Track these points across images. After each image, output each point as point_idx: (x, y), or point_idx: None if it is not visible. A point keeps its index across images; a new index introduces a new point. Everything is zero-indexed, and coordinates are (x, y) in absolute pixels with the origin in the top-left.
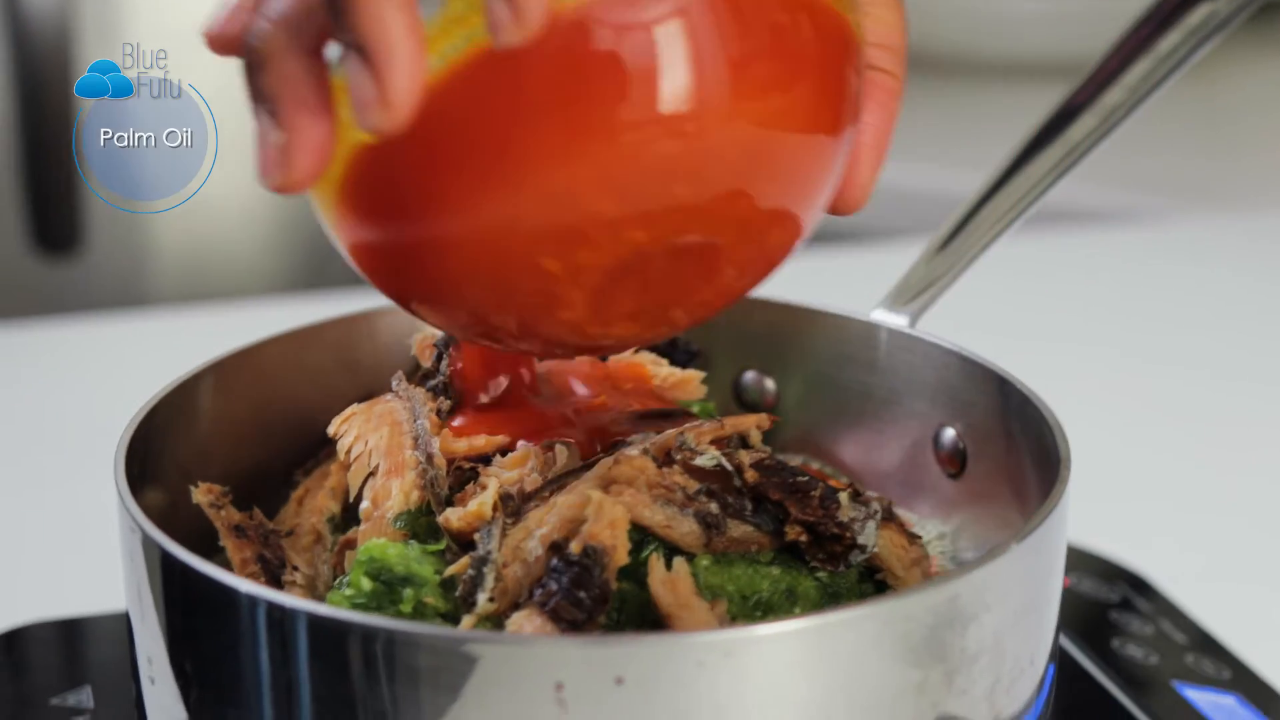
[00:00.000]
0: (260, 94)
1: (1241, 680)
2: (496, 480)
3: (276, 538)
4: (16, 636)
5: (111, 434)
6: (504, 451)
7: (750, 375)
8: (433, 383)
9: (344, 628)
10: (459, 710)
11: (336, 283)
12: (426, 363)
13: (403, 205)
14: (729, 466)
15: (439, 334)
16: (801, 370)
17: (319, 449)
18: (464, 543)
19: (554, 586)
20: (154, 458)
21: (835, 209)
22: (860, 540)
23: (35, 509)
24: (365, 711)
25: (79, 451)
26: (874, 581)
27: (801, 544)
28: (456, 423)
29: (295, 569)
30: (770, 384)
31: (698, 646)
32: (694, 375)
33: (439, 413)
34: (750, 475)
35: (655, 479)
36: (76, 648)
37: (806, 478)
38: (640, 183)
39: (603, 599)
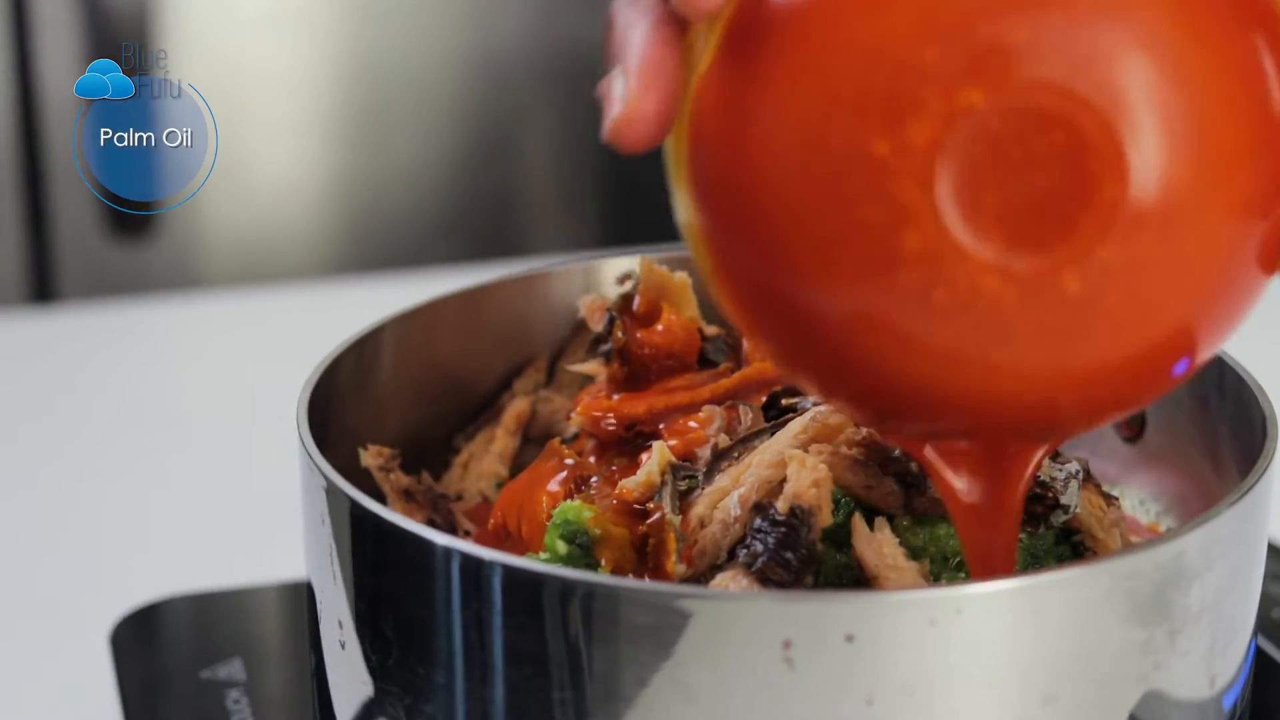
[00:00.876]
0: (612, 52)
1: None
2: (661, 445)
3: (446, 502)
4: (152, 612)
5: (211, 413)
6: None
7: None
8: (604, 348)
9: (564, 584)
10: (677, 669)
11: (390, 264)
12: (596, 327)
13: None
14: None
15: (609, 296)
16: None
17: (478, 413)
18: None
19: (759, 547)
20: (328, 420)
21: None
22: (1063, 500)
23: (147, 488)
24: (574, 670)
25: (182, 430)
26: (1071, 544)
27: None
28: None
29: (467, 534)
30: None
31: (930, 604)
32: None
33: (613, 379)
34: None
35: (854, 438)
36: (218, 622)
37: None
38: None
39: (810, 560)
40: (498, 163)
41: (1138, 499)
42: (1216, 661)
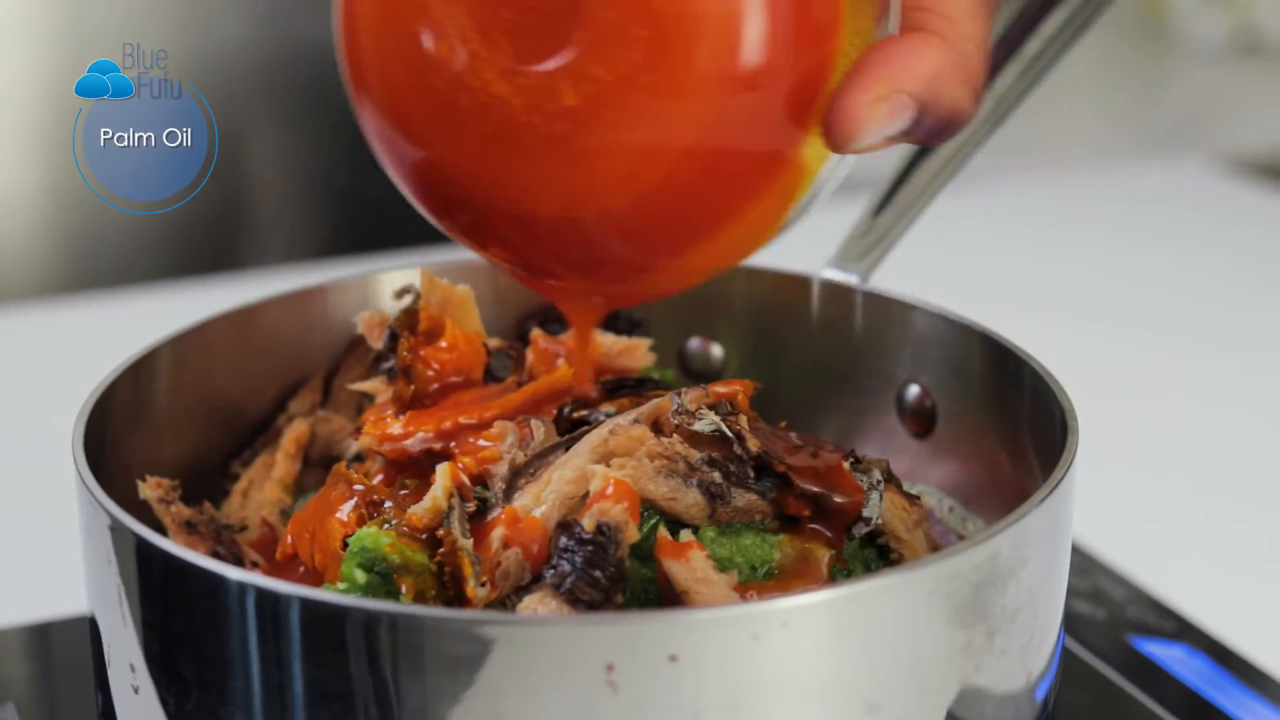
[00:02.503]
0: None
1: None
2: (446, 468)
3: (230, 533)
4: None
5: None
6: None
7: (695, 343)
8: (387, 365)
9: (368, 615)
10: (494, 700)
11: (109, 283)
12: (376, 344)
13: None
14: (729, 432)
15: (386, 312)
16: (748, 334)
17: (254, 437)
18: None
19: (567, 567)
20: (104, 450)
21: (827, 138)
22: (865, 513)
23: None
24: (383, 706)
25: None
26: (875, 546)
27: (803, 518)
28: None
29: (255, 565)
30: (717, 350)
31: (754, 618)
32: (640, 341)
33: (398, 399)
34: (754, 443)
35: (656, 450)
36: None
37: (802, 444)
38: None
39: (619, 577)
40: (219, 172)
41: (933, 495)
42: (1031, 657)
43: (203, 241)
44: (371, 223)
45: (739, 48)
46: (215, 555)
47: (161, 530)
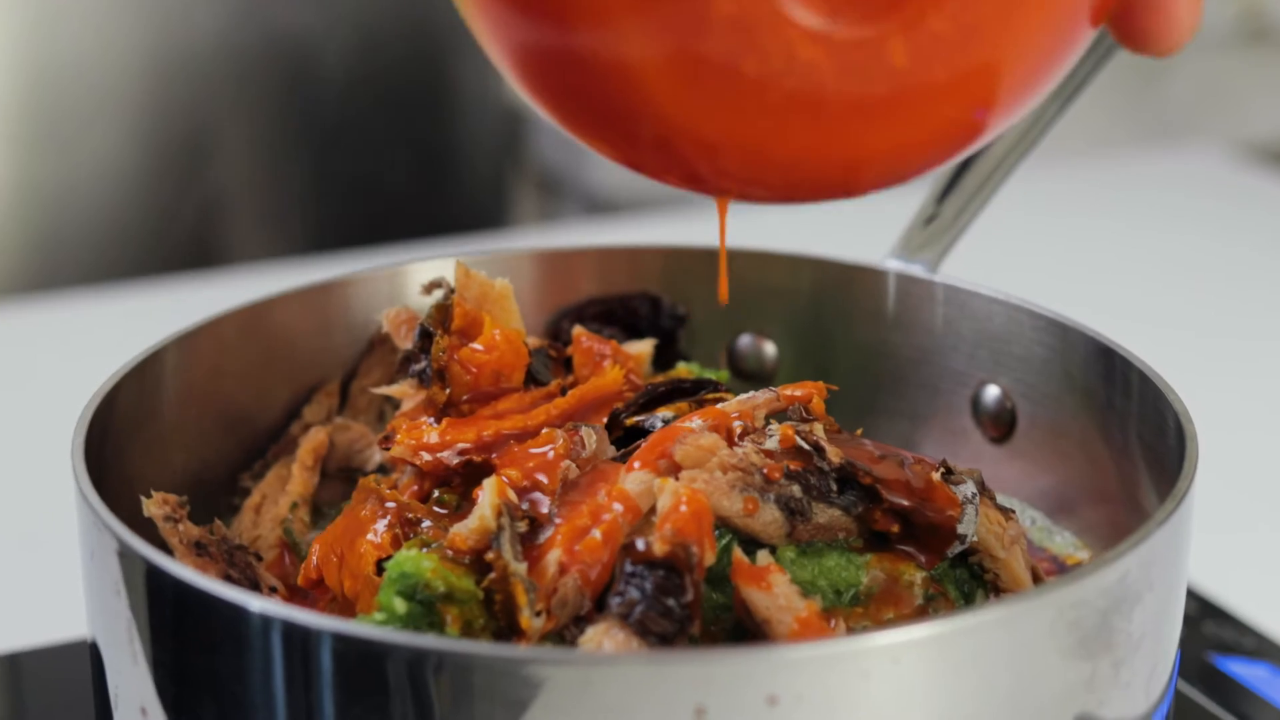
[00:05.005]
0: None
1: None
2: (493, 482)
3: (244, 554)
4: None
5: None
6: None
7: (746, 340)
8: (418, 367)
9: (415, 655)
10: None
11: (80, 282)
12: (404, 343)
13: None
14: (806, 445)
15: (414, 309)
16: (804, 331)
17: (265, 447)
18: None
19: (635, 594)
20: (104, 464)
21: (1144, 44)
22: (961, 529)
23: None
24: None
25: None
26: (968, 566)
27: (890, 535)
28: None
29: (273, 590)
30: (770, 348)
31: (861, 655)
32: (644, 346)
33: (432, 404)
34: (835, 452)
35: (729, 461)
36: None
37: (889, 454)
38: None
39: (695, 605)
40: (195, 167)
41: (1013, 505)
42: (1154, 687)
43: (175, 237)
44: (352, 218)
45: None
46: (228, 580)
47: (166, 552)
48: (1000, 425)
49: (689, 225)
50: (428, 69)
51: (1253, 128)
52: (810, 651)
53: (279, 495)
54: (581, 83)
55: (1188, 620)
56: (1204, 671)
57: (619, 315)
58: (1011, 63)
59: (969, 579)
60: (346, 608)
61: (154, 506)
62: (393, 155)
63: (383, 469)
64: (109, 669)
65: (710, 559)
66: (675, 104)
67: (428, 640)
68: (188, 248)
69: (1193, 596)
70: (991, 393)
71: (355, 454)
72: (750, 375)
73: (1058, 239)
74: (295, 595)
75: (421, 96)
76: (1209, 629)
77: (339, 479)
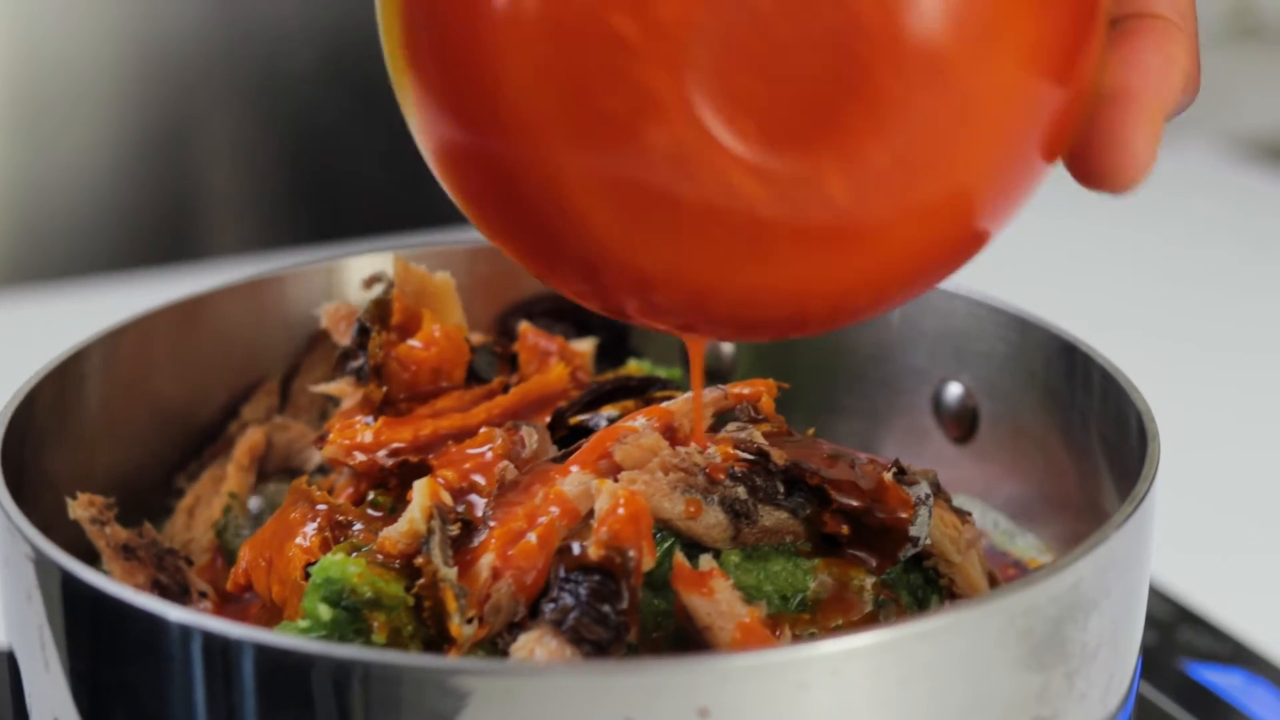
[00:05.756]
0: None
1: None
2: (425, 484)
3: (174, 559)
4: None
5: None
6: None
7: None
8: (356, 364)
9: (338, 666)
10: None
11: (57, 275)
12: (342, 339)
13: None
14: (748, 455)
15: (354, 304)
16: None
17: (201, 447)
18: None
19: (569, 600)
20: (24, 465)
21: (1100, 182)
22: (913, 532)
23: None
24: None
25: None
26: (922, 570)
27: (840, 538)
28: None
29: (203, 595)
30: (727, 345)
31: (799, 665)
32: (587, 344)
33: (368, 402)
34: (779, 454)
35: (671, 461)
36: None
37: (842, 454)
38: None
39: (631, 613)
40: (174, 158)
41: (975, 507)
42: (1111, 699)
43: (154, 230)
44: (332, 211)
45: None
46: (157, 585)
47: (94, 556)
48: (962, 424)
49: None
50: None
51: (1242, 123)
52: (743, 661)
53: (213, 497)
54: (507, 192)
55: (1161, 626)
56: (1177, 680)
57: (569, 311)
58: (960, 201)
59: (923, 584)
60: (275, 615)
61: (80, 508)
62: (372, 149)
63: (323, 470)
64: (24, 675)
65: (648, 563)
66: (606, 228)
67: (351, 651)
68: (165, 241)
69: (1167, 602)
70: (953, 391)
71: (295, 454)
72: (707, 373)
73: (1040, 235)
74: (227, 600)
75: None
76: (1183, 635)
77: (278, 481)
